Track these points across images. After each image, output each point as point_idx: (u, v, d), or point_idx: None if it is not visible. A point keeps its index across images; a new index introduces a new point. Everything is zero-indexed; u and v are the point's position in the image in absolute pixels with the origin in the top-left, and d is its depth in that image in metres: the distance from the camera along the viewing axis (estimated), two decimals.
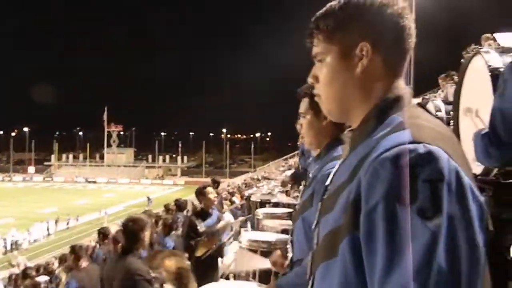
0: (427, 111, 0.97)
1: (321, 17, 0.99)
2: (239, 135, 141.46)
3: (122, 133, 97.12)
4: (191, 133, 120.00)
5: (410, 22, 0.96)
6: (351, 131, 1.05)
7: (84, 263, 5.54)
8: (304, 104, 2.07)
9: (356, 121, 0.99)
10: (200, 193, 5.49)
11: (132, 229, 3.71)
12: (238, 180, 38.98)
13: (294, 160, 33.29)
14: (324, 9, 0.99)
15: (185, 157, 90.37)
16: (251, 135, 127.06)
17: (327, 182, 1.04)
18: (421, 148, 0.77)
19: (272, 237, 3.14)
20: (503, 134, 1.85)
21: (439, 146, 0.78)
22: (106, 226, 10.25)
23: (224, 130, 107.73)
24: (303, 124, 2.08)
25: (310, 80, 1.03)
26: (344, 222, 0.84)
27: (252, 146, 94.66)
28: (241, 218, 6.34)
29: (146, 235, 3.75)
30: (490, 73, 2.20)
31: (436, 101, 3.51)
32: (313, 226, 1.05)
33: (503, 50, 2.27)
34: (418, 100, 4.70)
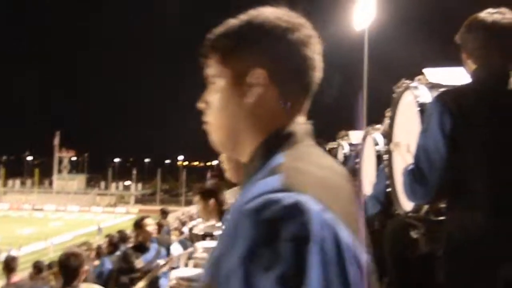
0: (332, 152, 0.85)
1: (218, 36, 0.87)
2: (196, 163, 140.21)
3: (74, 158, 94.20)
4: (146, 160, 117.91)
5: (315, 53, 0.86)
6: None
7: (15, 277, 5.24)
8: None
9: (246, 158, 0.86)
10: (137, 225, 5.24)
11: (71, 264, 3.50)
12: (194, 209, 38.32)
13: None
14: (222, 26, 0.88)
15: (140, 185, 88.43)
16: (208, 163, 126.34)
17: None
18: (287, 199, 0.63)
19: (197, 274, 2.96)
20: (427, 172, 1.81)
21: (313, 195, 0.65)
22: (40, 260, 9.64)
23: (180, 158, 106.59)
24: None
25: (200, 105, 0.91)
26: (207, 283, 0.70)
27: (209, 174, 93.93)
28: (189, 250, 6.08)
29: (85, 270, 3.59)
30: (418, 108, 2.17)
31: (374, 135, 3.49)
32: None
33: (432, 86, 2.26)
34: (360, 133, 4.71)
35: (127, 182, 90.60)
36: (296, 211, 0.62)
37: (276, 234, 0.61)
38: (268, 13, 0.85)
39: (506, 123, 1.79)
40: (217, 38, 0.87)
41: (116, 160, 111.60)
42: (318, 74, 0.87)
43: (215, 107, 0.87)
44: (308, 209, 0.62)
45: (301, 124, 0.85)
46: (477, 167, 1.77)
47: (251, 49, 0.84)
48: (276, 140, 0.81)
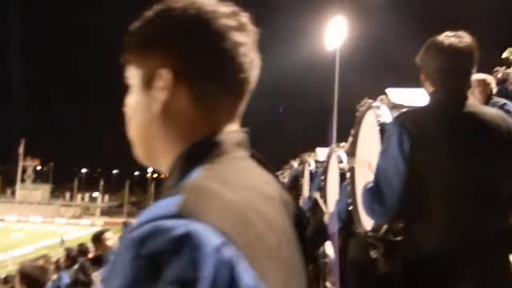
0: (265, 164, 0.75)
1: (133, 31, 0.75)
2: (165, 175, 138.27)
3: (39, 167, 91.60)
4: (114, 171, 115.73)
5: (241, 46, 0.71)
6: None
7: None
8: None
9: (165, 172, 0.74)
10: (96, 239, 5.09)
11: (37, 277, 3.36)
12: None
13: None
14: (139, 20, 0.75)
15: (106, 196, 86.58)
16: None
17: None
18: (178, 228, 0.51)
19: None
20: (386, 192, 1.81)
21: (216, 224, 0.53)
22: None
23: (150, 170, 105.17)
24: None
25: (124, 110, 0.80)
26: None
27: None
28: None
29: (48, 284, 3.45)
30: (379, 128, 2.19)
31: (339, 152, 3.51)
32: None
33: (394, 106, 2.28)
34: (325, 149, 4.74)
35: (95, 194, 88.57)
36: (186, 245, 0.50)
37: (157, 274, 0.49)
38: (180, 2, 0.73)
39: (463, 145, 1.81)
40: (132, 33, 0.75)
41: (83, 170, 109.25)
42: (249, 71, 0.73)
43: (130, 114, 0.76)
44: (203, 243, 0.51)
45: (230, 132, 0.72)
46: (434, 188, 1.78)
47: (157, 46, 0.72)
48: (195, 152, 0.69)
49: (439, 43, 1.87)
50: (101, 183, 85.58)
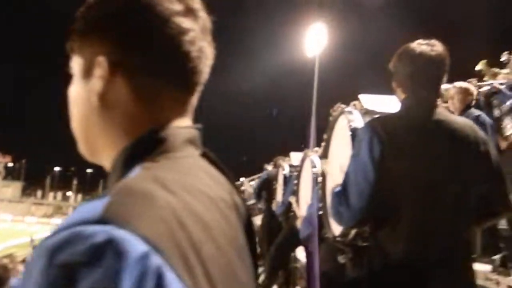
0: (218, 164, 0.71)
1: (76, 18, 0.70)
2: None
3: (11, 164, 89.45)
4: (88, 170, 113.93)
5: (189, 33, 0.66)
6: None
7: None
8: None
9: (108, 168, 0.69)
10: None
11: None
12: None
13: None
14: (83, 5, 0.70)
15: (80, 196, 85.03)
16: None
17: None
18: (99, 235, 0.46)
19: None
20: (353, 196, 1.81)
21: (144, 230, 0.48)
22: None
23: None
24: None
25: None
26: None
27: None
28: None
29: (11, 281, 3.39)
30: (350, 133, 2.19)
31: (312, 157, 3.52)
32: None
33: (366, 112, 2.29)
34: (299, 154, 4.75)
35: (68, 193, 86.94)
36: (106, 254, 0.45)
37: (70, 286, 0.44)
38: None
39: (431, 152, 1.83)
40: (77, 18, 0.70)
41: (56, 168, 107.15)
42: (198, 61, 0.67)
43: (70, 105, 0.71)
44: (125, 252, 0.45)
45: (180, 128, 0.66)
46: (401, 194, 1.79)
47: (96, 32, 0.67)
48: (137, 148, 0.63)
49: (410, 50, 1.88)
50: (75, 182, 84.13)
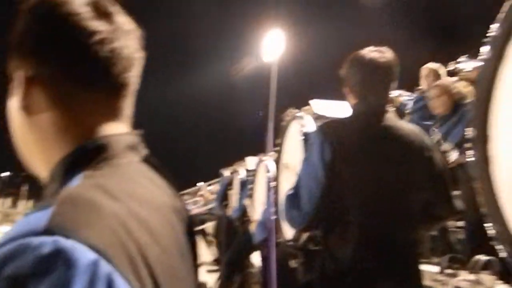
0: (160, 169, 0.71)
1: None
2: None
3: None
4: None
5: (110, 38, 0.65)
6: None
7: None
8: None
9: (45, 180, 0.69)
10: None
11: None
12: None
13: None
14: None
15: (30, 202, 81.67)
16: None
17: None
18: (46, 246, 0.46)
19: None
20: (304, 199, 1.83)
21: (90, 239, 0.48)
22: None
23: None
24: None
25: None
26: None
27: None
28: None
29: None
30: (302, 137, 2.21)
31: (267, 161, 3.53)
32: None
33: (317, 117, 2.32)
34: (255, 158, 4.76)
35: (22, 201, 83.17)
36: (54, 264, 0.45)
37: None
38: None
39: (379, 157, 1.86)
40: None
41: (4, 174, 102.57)
42: (119, 64, 0.66)
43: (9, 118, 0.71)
44: (74, 261, 0.45)
45: (119, 135, 0.66)
46: (350, 198, 1.81)
47: (14, 50, 0.68)
48: (76, 157, 0.63)
49: (360, 57, 1.91)
50: (25, 188, 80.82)
